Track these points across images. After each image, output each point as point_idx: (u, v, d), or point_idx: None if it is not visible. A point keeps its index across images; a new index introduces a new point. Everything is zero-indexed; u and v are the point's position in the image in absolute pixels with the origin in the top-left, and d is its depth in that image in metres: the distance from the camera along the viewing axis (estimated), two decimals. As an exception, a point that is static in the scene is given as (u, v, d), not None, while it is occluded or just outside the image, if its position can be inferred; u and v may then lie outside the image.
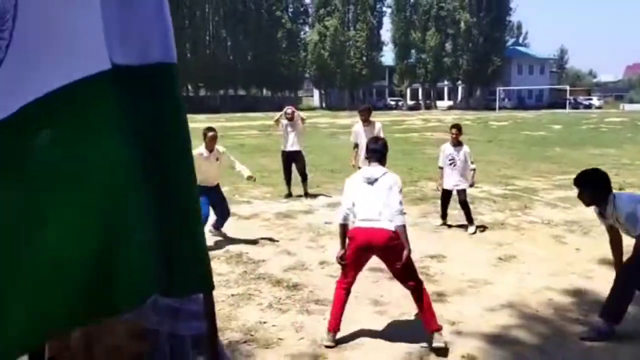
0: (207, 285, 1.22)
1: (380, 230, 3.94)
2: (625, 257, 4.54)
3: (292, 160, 10.24)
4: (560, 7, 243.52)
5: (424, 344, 4.03)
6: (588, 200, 4.45)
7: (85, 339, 1.29)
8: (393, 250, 3.98)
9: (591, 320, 4.49)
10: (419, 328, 4.35)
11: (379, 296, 5.07)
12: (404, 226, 4.04)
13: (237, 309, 4.76)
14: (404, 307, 4.76)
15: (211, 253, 6.40)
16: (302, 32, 76.73)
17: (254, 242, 7.00)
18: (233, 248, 6.70)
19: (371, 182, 4.10)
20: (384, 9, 72.85)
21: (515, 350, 4.03)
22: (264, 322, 4.47)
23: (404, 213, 4.11)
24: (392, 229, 3.95)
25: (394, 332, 4.30)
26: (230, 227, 7.90)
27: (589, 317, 4.58)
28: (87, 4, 1.03)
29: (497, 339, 4.20)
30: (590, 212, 8.31)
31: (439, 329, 4.00)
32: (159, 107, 1.12)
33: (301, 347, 4.02)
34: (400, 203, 4.03)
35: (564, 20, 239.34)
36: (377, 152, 4.29)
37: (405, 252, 3.99)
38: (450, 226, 7.89)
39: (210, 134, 7.07)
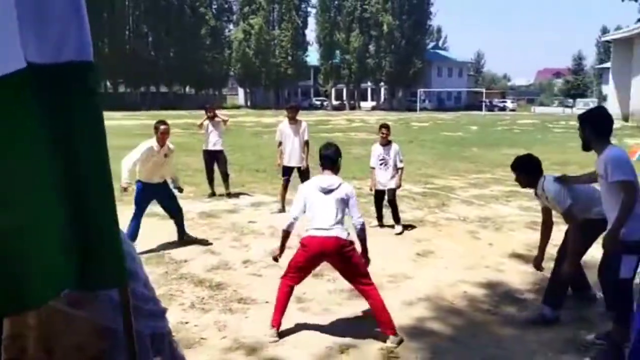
0: (122, 280, 1.21)
1: (333, 239, 4.07)
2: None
3: (214, 159, 10.13)
4: (479, 13, 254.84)
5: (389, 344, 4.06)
6: (524, 183, 4.84)
7: (44, 342, 1.25)
8: (344, 257, 4.14)
9: (502, 311, 4.76)
10: (340, 324, 4.45)
11: (302, 293, 5.11)
12: (364, 236, 4.31)
13: (157, 311, 4.66)
14: (326, 304, 4.84)
15: (131, 254, 6.24)
16: (226, 30, 75.78)
17: (176, 242, 6.87)
18: (154, 248, 6.54)
19: (327, 192, 4.20)
20: (309, 9, 73.31)
21: (430, 342, 4.20)
22: (186, 323, 4.40)
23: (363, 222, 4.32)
24: (345, 237, 4.11)
25: (316, 328, 4.36)
26: (152, 227, 7.71)
27: (499, 307, 4.85)
28: (1, 2, 1.00)
29: (414, 332, 4.36)
30: (502, 209, 8.79)
31: (394, 331, 4.12)
32: (74, 106, 1.11)
33: (223, 346, 4.00)
34: (360, 214, 4.31)
35: (481, 26, 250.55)
36: (330, 159, 4.36)
37: (363, 260, 4.32)
38: (383, 226, 7.97)
39: (163, 127, 6.79)
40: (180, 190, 7.36)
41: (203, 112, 10.48)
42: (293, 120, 8.98)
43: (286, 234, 4.40)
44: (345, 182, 4.42)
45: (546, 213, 4.91)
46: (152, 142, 6.73)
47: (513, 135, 28.17)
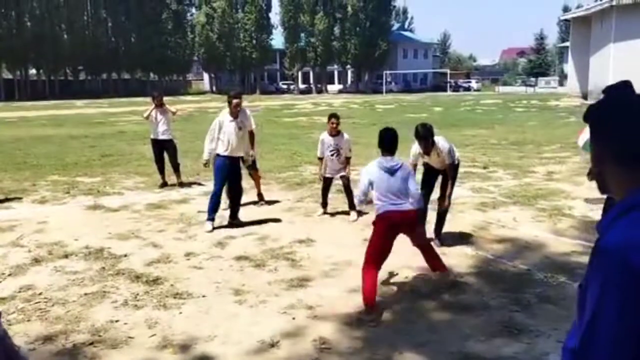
0: None
1: (410, 211, 4.77)
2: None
3: (162, 148, 9.89)
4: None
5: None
6: (429, 148, 6.06)
7: None
8: (414, 225, 4.94)
9: (440, 296, 4.75)
10: (275, 316, 4.37)
11: (241, 285, 5.02)
12: (421, 203, 5.11)
13: (88, 309, 4.51)
14: (263, 295, 4.76)
15: (68, 250, 6.09)
16: (188, 14, 74.34)
17: (117, 235, 6.68)
18: (94, 243, 6.34)
19: (392, 172, 4.77)
20: (273, -9, 72.40)
21: (366, 329, 4.15)
22: (116, 321, 4.26)
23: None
24: (415, 209, 4.82)
25: (249, 321, 4.27)
26: (95, 221, 7.51)
27: (439, 292, 4.83)
28: None
29: (351, 320, 4.31)
30: (454, 191, 8.79)
31: (446, 270, 5.13)
32: None
33: (150, 345, 3.88)
34: (417, 186, 5.05)
35: (447, 7, 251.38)
36: (390, 142, 4.92)
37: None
38: (331, 214, 7.89)
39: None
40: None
41: (167, 98, 10.27)
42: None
43: (365, 197, 4.97)
44: (404, 162, 5.06)
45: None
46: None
47: (475, 115, 28.41)
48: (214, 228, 6.97)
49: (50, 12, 61.91)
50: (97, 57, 63.56)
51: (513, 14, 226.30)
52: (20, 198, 9.02)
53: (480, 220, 7.23)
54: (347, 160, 7.84)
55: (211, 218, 7.05)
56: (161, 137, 9.87)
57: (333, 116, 7.82)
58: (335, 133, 7.77)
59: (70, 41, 63.22)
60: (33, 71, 64.84)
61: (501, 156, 13.15)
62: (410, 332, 4.10)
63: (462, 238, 6.48)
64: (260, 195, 8.57)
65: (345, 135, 7.86)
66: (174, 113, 10.09)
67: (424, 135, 5.92)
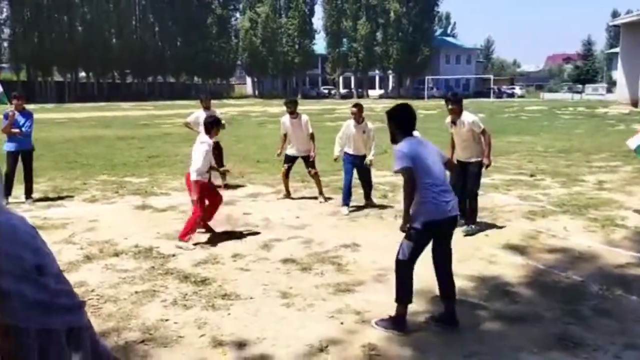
0: None
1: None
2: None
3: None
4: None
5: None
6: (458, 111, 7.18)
7: None
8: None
9: (491, 305, 4.65)
10: (323, 321, 4.35)
11: (289, 288, 5.03)
12: None
13: (139, 307, 4.59)
14: (311, 299, 4.75)
15: (118, 248, 6.21)
16: (233, 19, 75.46)
17: (165, 235, 6.79)
18: (143, 242, 6.47)
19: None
20: (316, -4, 72.75)
21: (415, 337, 4.09)
22: (166, 320, 4.33)
23: None
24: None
25: (298, 325, 4.26)
26: (143, 221, 7.67)
27: (488, 301, 4.73)
28: None
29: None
30: (500, 198, 8.64)
31: None
32: None
33: (200, 345, 3.92)
34: None
35: (491, 12, 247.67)
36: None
37: None
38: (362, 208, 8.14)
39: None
40: (370, 162, 8.43)
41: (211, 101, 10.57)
42: (293, 114, 8.86)
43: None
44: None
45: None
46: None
47: (519, 122, 27.84)
48: (349, 212, 8.03)
49: (101, 18, 63.83)
50: (144, 61, 65.21)
51: (559, 19, 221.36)
52: (72, 196, 9.29)
53: (530, 229, 7.05)
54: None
55: (346, 203, 8.16)
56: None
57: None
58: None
59: (118, 45, 65.03)
60: (82, 74, 66.91)
61: (548, 164, 12.83)
62: (459, 342, 4.02)
63: (511, 247, 6.32)
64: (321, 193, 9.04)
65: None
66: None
67: (456, 98, 7.02)
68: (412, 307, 4.58)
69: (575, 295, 4.82)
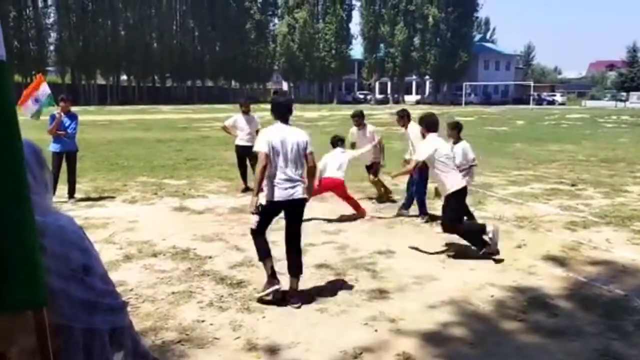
0: (38, 302, 1.13)
1: None
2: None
3: (245, 154, 10.07)
4: (529, 4, 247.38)
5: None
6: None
7: None
8: None
9: (529, 317, 4.55)
10: (357, 327, 4.33)
11: (322, 293, 5.03)
12: None
13: (176, 307, 4.66)
14: (344, 305, 4.73)
15: (157, 249, 6.31)
16: (271, 24, 76.22)
17: (202, 237, 6.88)
18: (180, 244, 6.57)
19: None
20: (354, 2, 72.90)
21: (451, 348, 4.03)
22: (202, 321, 4.38)
23: None
24: None
25: (332, 330, 4.26)
26: (181, 222, 7.79)
27: (527, 313, 4.63)
28: None
29: (434, 336, 4.20)
30: (541, 208, 8.46)
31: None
32: None
33: (235, 347, 3.95)
34: None
35: (532, 18, 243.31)
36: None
37: None
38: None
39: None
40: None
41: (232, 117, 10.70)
42: (360, 125, 9.37)
43: None
44: None
45: None
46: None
47: (560, 130, 27.24)
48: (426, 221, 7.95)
49: (142, 22, 65.31)
50: (184, 65, 66.42)
51: (602, 25, 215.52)
52: (113, 197, 9.51)
53: (570, 240, 6.87)
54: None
55: (424, 212, 8.08)
56: (243, 143, 10.10)
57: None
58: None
59: (159, 49, 66.43)
60: (124, 77, 68.54)
61: (590, 173, 12.50)
62: (497, 354, 3.94)
63: (551, 258, 6.18)
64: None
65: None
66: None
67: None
68: (447, 319, 4.53)
69: (617, 310, 4.67)
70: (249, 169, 10.17)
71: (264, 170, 4.73)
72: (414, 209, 8.28)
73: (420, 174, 7.77)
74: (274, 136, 4.83)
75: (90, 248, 1.48)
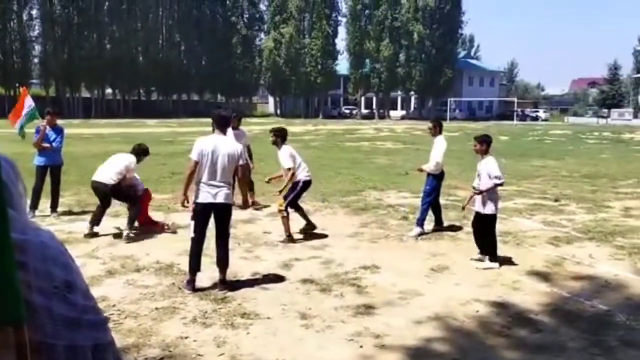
0: (17, 318, 1.11)
1: None
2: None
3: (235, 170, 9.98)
4: (512, 23, 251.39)
5: None
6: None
7: None
8: None
9: (514, 333, 4.56)
10: (342, 343, 4.31)
11: (307, 309, 5.00)
12: None
13: (159, 324, 4.61)
14: (329, 321, 4.71)
15: (140, 264, 6.25)
16: (257, 39, 76.48)
17: (186, 252, 6.80)
18: (164, 258, 6.51)
19: None
20: (340, 18, 73.42)
21: (435, 364, 4.03)
22: (185, 337, 4.33)
23: None
24: None
25: (316, 347, 4.23)
26: (165, 236, 7.72)
27: (511, 329, 4.64)
28: None
29: (419, 352, 4.20)
30: (524, 223, 8.53)
31: None
32: None
33: (219, 364, 3.91)
34: None
35: (515, 35, 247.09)
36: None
37: None
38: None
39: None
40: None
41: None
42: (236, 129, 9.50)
43: None
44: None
45: None
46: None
47: (543, 145, 27.57)
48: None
49: (128, 36, 65.18)
50: (169, 79, 66.25)
51: (584, 43, 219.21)
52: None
53: (554, 256, 6.93)
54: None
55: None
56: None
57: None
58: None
59: (145, 63, 66.24)
60: (109, 90, 68.20)
61: (573, 189, 12.64)
62: (481, 369, 3.95)
63: (535, 273, 6.22)
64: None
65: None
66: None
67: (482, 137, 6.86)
68: (432, 334, 4.53)
69: (601, 325, 4.71)
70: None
71: (191, 176, 5.58)
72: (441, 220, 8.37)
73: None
74: (207, 145, 5.56)
75: (71, 264, 1.46)
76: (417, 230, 7.96)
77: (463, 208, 7.47)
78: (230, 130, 10.23)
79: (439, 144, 8.08)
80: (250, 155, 10.07)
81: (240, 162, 5.72)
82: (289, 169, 7.64)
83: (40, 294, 1.27)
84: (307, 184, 7.88)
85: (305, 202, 10.23)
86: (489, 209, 6.55)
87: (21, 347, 1.13)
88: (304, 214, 8.02)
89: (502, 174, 6.71)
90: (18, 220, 1.33)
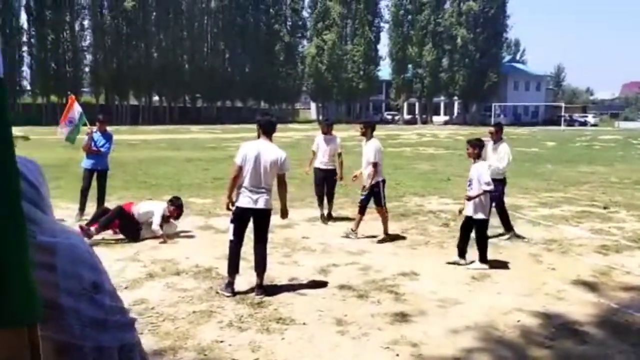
0: (33, 316, 1.11)
1: None
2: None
3: (324, 177, 9.62)
4: (560, 25, 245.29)
5: None
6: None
7: None
8: None
9: (558, 345, 4.39)
10: (377, 351, 4.24)
11: (344, 315, 4.95)
12: None
13: (196, 327, 4.64)
14: (366, 328, 4.64)
15: (180, 267, 6.33)
16: (300, 46, 77.02)
17: (225, 256, 6.84)
18: (203, 262, 6.58)
19: None
20: (382, 24, 73.25)
21: (475, 375, 3.91)
22: (221, 342, 4.34)
23: None
24: None
25: (352, 354, 4.17)
26: (205, 240, 7.81)
27: (555, 340, 4.47)
28: None
29: (458, 363, 4.08)
30: (571, 231, 8.26)
31: None
32: None
33: (253, 369, 3.90)
34: None
35: (562, 38, 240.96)
36: None
37: None
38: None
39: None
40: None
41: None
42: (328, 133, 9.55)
43: None
44: None
45: None
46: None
47: (592, 151, 26.70)
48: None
49: (175, 44, 66.71)
50: (214, 86, 67.42)
51: (635, 45, 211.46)
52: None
53: (602, 265, 6.66)
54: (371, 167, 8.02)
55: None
56: (324, 166, 9.58)
57: (361, 122, 8.84)
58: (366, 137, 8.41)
59: (190, 71, 67.63)
60: (156, 98, 69.87)
61: (623, 196, 12.17)
62: (523, 382, 3.81)
63: (582, 283, 5.99)
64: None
65: (370, 143, 8.22)
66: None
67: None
68: (471, 344, 4.40)
69: (650, 338, 4.48)
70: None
71: (235, 180, 5.60)
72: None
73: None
74: (251, 150, 5.60)
75: (99, 266, 1.48)
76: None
77: (460, 212, 7.19)
78: (322, 136, 9.83)
79: (503, 149, 8.09)
80: (340, 163, 9.55)
81: (284, 171, 5.68)
82: (374, 164, 7.84)
83: (69, 295, 1.28)
84: (384, 182, 8.12)
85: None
86: (480, 214, 6.59)
87: (35, 347, 1.13)
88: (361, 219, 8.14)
89: (503, 169, 7.95)
90: (47, 222, 1.34)
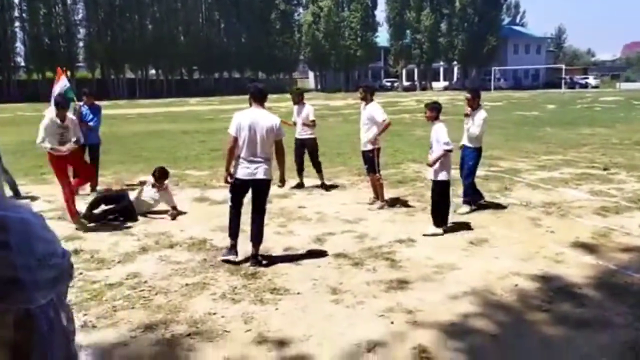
0: None
1: None
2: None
3: (303, 146, 9.66)
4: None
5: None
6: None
7: None
8: None
9: (555, 308, 4.32)
10: (373, 319, 4.18)
11: (339, 284, 4.88)
12: None
13: (188, 300, 4.58)
14: (361, 296, 4.58)
15: (174, 240, 6.26)
16: (295, 14, 75.92)
17: (220, 228, 6.79)
18: (198, 234, 6.50)
19: None
20: (379, -12, 72.01)
21: (471, 341, 3.84)
22: (214, 314, 4.28)
23: None
24: None
25: (346, 323, 4.10)
26: (201, 212, 7.73)
27: (553, 303, 4.40)
28: None
29: (453, 328, 4.02)
30: (570, 193, 8.15)
31: None
32: None
33: (246, 340, 3.84)
34: None
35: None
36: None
37: None
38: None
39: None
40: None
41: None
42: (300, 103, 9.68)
43: None
44: None
45: None
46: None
47: (593, 113, 26.44)
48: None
49: (169, 16, 65.79)
50: (210, 57, 66.74)
51: (636, 5, 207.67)
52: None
53: (601, 227, 6.57)
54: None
55: (467, 201, 7.59)
56: (299, 135, 9.66)
57: (360, 86, 8.65)
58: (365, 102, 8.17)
59: (186, 42, 66.87)
60: (152, 71, 69.23)
61: (624, 157, 12.04)
62: (520, 347, 3.75)
63: (580, 245, 5.91)
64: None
65: (369, 106, 8.06)
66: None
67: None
68: (468, 310, 4.34)
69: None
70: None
71: (231, 151, 5.45)
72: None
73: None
74: (244, 119, 5.44)
75: (52, 236, 1.48)
76: (466, 208, 7.59)
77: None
78: (295, 107, 9.77)
79: (480, 116, 7.61)
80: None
81: (281, 137, 5.54)
82: (384, 121, 7.80)
83: (26, 270, 1.28)
84: (379, 150, 8.00)
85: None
86: (441, 175, 6.53)
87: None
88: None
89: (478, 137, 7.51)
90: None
